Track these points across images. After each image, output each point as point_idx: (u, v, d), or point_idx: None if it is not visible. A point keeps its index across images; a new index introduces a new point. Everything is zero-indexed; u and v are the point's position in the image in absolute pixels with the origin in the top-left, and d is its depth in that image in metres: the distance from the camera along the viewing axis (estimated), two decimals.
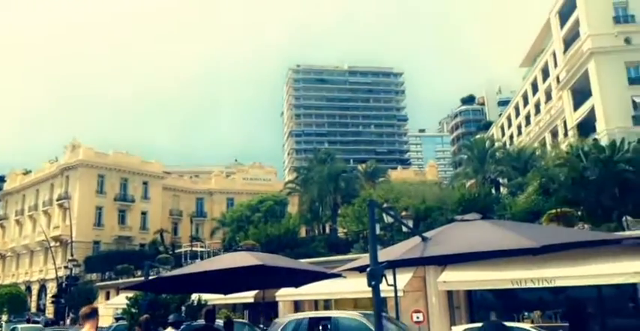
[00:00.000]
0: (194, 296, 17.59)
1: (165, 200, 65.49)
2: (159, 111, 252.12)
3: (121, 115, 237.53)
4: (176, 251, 45.35)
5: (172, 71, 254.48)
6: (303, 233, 44.82)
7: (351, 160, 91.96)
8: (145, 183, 63.48)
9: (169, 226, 63.10)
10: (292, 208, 53.84)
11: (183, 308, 16.90)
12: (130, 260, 42.57)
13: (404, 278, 17.63)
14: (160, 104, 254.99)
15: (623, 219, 17.78)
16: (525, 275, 15.43)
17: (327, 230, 46.21)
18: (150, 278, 9.43)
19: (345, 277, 7.16)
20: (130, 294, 16.37)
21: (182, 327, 11.28)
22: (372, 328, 11.14)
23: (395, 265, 6.01)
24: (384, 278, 4.53)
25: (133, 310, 15.33)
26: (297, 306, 24.31)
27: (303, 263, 9.86)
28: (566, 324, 13.98)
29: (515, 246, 4.53)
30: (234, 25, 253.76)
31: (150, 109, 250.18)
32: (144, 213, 62.61)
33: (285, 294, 20.85)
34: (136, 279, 31.47)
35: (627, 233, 16.22)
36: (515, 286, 16.01)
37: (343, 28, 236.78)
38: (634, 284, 15.81)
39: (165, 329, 8.74)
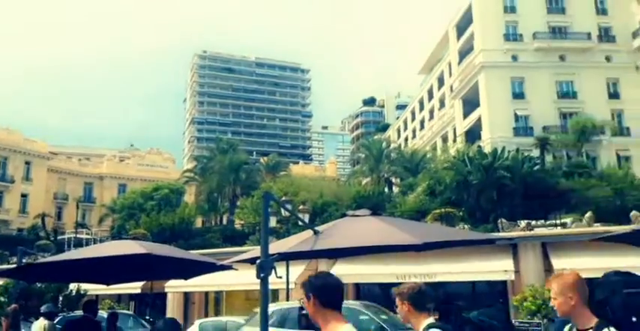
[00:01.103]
0: (73, 286, 16.56)
1: (49, 182, 60.67)
2: (52, 90, 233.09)
3: (10, 92, 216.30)
4: (59, 237, 42.32)
5: (72, 49, 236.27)
6: (199, 223, 43.82)
7: (254, 152, 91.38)
8: (27, 163, 58.34)
9: (53, 211, 58.59)
10: (189, 198, 52.41)
11: (60, 298, 15.84)
12: (5, 246, 38.98)
13: (297, 270, 17.87)
14: (54, 82, 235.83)
15: (499, 221, 19.38)
16: (409, 271, 16.32)
17: (225, 221, 45.59)
18: (22, 264, 8.73)
19: (236, 269, 7.12)
20: (0, 282, 15.05)
21: (58, 319, 10.59)
22: (375, 318, 11.11)
23: (285, 257, 6.07)
24: (273, 271, 4.53)
25: (2, 299, 14.11)
26: (187, 298, 23.77)
27: (194, 254, 9.66)
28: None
29: (400, 242, 4.71)
30: (139, 4, 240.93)
31: (43, 88, 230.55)
32: (24, 196, 57.59)
33: (174, 285, 20.27)
34: (9, 266, 28.91)
35: (501, 234, 17.72)
36: (400, 280, 16.84)
37: (253, 20, 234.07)
38: (504, 281, 17.34)
39: (37, 320, 8.14)
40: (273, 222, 20.35)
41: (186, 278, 7.96)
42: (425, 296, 3.32)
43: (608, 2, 46.38)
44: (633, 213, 17.50)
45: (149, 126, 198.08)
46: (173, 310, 23.15)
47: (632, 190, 22.58)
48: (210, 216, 47.06)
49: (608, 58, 44.73)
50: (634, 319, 2.65)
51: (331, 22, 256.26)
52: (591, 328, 2.67)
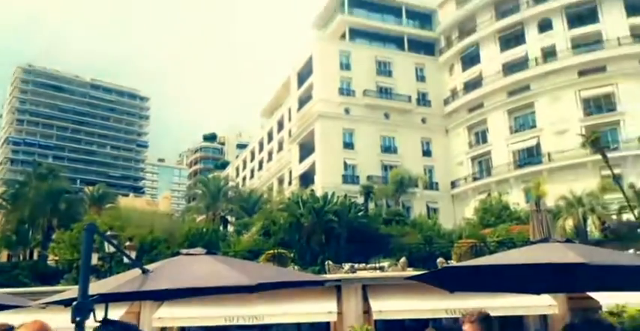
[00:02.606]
0: None
1: None
2: None
3: None
4: None
5: None
6: (3, 258, 38.38)
7: (79, 181, 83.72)
8: None
9: None
10: None
11: None
12: None
13: (117, 313, 16.56)
14: None
15: (326, 263, 20.33)
16: (238, 313, 16.15)
17: (36, 256, 40.41)
18: None
19: (43, 307, 6.42)
20: None
21: None
22: None
23: (108, 299, 5.69)
24: (92, 314, 4.22)
25: None
26: None
27: None
28: None
29: (235, 283, 4.71)
30: None
31: None
32: None
33: None
34: None
35: (327, 276, 18.58)
36: (228, 323, 16.59)
37: (95, 41, 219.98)
38: (327, 323, 18.05)
39: None
40: (94, 259, 18.75)
41: None
42: None
43: (426, 71, 53.34)
44: (439, 259, 19.75)
45: None
46: None
47: (438, 238, 25.54)
48: (19, 249, 41.38)
49: (423, 120, 51.04)
50: None
51: (179, 54, 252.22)
52: None
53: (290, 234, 24.81)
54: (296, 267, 20.37)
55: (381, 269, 20.13)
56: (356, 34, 53.53)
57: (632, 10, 42.79)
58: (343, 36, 53.65)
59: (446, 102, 52.04)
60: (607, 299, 15.04)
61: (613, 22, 42.76)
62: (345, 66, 50.16)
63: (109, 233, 21.34)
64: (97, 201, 46.48)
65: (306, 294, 16.66)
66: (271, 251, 21.84)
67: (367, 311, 17.59)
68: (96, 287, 4.92)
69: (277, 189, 52.07)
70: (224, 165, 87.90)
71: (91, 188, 51.52)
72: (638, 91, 39.76)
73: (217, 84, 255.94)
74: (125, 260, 18.85)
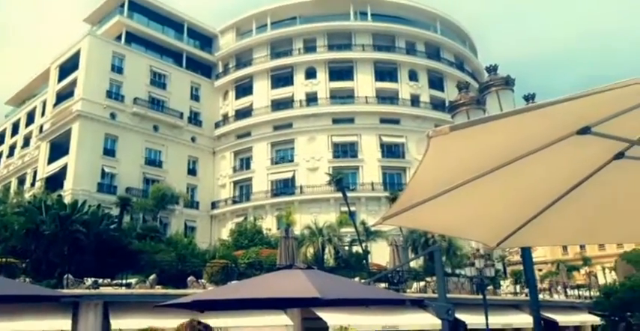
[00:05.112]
0: None
1: None
2: None
3: None
4: None
5: None
6: None
7: None
8: None
9: None
10: None
11: None
12: None
13: None
14: None
15: (65, 276, 18.66)
16: None
17: None
18: None
19: None
20: None
21: None
22: None
23: None
24: None
25: None
26: None
27: None
28: None
29: None
30: None
31: None
32: None
33: None
34: None
35: (65, 291, 17.14)
36: None
37: None
38: None
39: None
40: None
41: None
42: None
43: (201, 91, 54.04)
44: (190, 278, 20.03)
45: None
46: None
47: (192, 257, 25.69)
48: None
49: (193, 139, 51.28)
50: None
51: None
52: None
53: (25, 242, 22.06)
54: (27, 280, 18.23)
55: (128, 286, 19.43)
56: (133, 38, 51.16)
57: (379, 75, 51.20)
58: (119, 38, 50.68)
59: (217, 125, 53.26)
60: (334, 321, 17.50)
61: (364, 82, 50.33)
62: (117, 69, 47.43)
63: None
64: None
65: (36, 310, 15.13)
66: None
67: (107, 329, 16.76)
68: None
69: (16, 189, 45.45)
70: None
71: None
72: (374, 145, 47.38)
73: None
74: None
